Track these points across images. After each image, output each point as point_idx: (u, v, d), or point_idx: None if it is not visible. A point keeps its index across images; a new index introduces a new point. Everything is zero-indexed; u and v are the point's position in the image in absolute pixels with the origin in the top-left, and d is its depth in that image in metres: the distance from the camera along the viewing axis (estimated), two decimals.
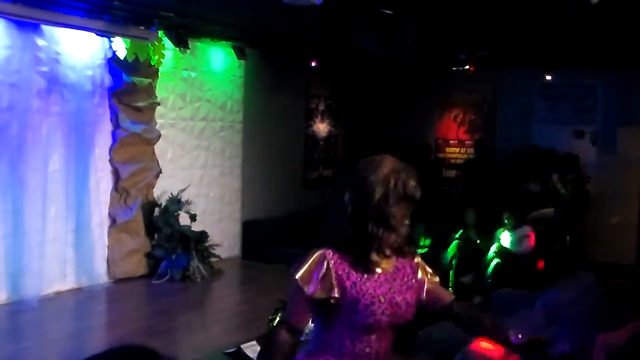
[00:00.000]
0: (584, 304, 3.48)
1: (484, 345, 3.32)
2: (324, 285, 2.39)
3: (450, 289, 8.31)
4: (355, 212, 2.43)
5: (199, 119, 9.81)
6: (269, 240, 10.30)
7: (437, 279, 2.68)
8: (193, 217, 9.01)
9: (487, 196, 10.26)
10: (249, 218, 10.61)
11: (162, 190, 9.05)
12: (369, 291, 2.41)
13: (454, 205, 10.33)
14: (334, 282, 2.40)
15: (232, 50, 9.79)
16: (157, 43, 8.36)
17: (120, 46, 8.03)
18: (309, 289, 2.39)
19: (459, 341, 3.62)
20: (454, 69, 11.54)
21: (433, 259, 8.34)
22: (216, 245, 9.27)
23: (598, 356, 3.14)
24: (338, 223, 2.45)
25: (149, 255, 8.83)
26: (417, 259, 2.63)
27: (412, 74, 11.90)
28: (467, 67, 11.21)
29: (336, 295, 2.39)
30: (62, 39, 7.76)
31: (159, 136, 8.99)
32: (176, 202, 8.96)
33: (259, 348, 4.62)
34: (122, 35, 7.95)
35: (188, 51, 8.97)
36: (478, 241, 8.84)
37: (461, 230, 8.85)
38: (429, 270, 2.67)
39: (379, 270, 2.47)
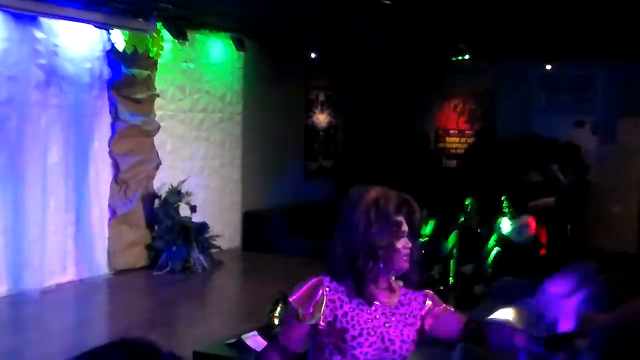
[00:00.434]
0: (584, 292, 3.49)
1: None
2: (316, 311, 2.43)
3: (451, 278, 8.34)
4: (345, 245, 2.44)
5: (198, 110, 9.79)
6: (270, 231, 10.31)
7: (451, 308, 2.58)
8: (193, 209, 9.01)
9: (487, 185, 10.25)
10: (250, 209, 10.60)
11: (162, 181, 9.05)
12: (360, 323, 2.42)
13: (455, 194, 10.32)
14: (325, 309, 2.42)
15: (231, 42, 9.77)
16: (155, 35, 8.34)
17: (119, 38, 8.02)
18: (302, 313, 2.43)
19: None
20: (454, 58, 11.50)
21: (434, 248, 8.35)
22: (216, 236, 9.27)
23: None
24: (334, 255, 2.47)
25: (149, 247, 8.84)
26: (428, 291, 2.57)
27: (412, 64, 11.86)
28: (466, 56, 11.17)
29: (322, 323, 2.42)
30: (61, 32, 7.74)
31: (158, 128, 8.98)
32: (176, 194, 8.96)
33: (260, 339, 4.63)
34: (121, 27, 7.93)
35: (187, 43, 8.96)
36: (479, 230, 8.84)
37: (462, 219, 8.85)
38: (441, 301, 2.58)
39: (377, 303, 2.47)
